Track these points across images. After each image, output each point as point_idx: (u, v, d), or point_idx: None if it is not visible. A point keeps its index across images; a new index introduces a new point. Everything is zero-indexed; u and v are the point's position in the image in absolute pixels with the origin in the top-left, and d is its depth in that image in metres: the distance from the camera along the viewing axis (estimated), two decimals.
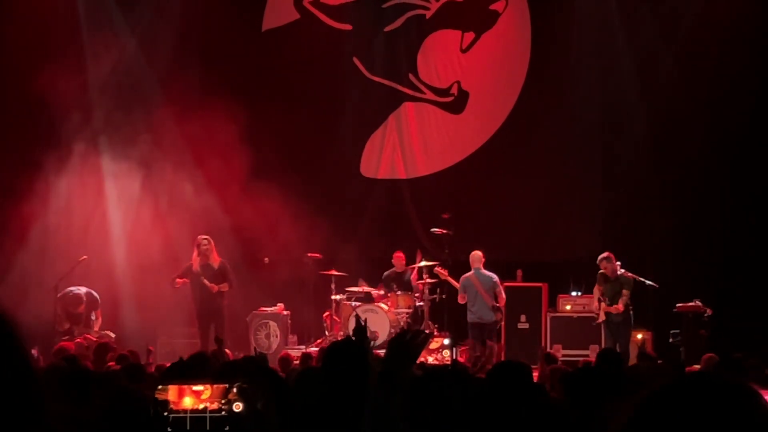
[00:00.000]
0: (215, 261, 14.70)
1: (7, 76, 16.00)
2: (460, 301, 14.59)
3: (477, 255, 14.60)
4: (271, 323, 15.61)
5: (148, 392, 4.71)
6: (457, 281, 14.77)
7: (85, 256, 14.93)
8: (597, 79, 16.46)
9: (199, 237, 14.75)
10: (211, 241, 14.74)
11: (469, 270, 14.76)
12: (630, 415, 1.56)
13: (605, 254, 13.87)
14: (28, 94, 15.66)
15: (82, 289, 14.73)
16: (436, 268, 15.08)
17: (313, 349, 13.99)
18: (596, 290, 13.97)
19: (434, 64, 17.31)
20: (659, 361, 10.19)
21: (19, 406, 1.70)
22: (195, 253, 14.65)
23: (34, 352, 12.62)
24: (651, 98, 16.06)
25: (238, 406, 2.16)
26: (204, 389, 2.21)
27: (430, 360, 13.84)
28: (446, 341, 10.34)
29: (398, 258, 15.80)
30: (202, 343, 14.20)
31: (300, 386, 4.98)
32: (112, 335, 14.66)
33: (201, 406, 2.19)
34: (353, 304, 15.43)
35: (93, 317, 14.65)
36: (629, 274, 13.83)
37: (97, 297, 14.83)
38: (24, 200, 15.66)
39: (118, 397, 4.36)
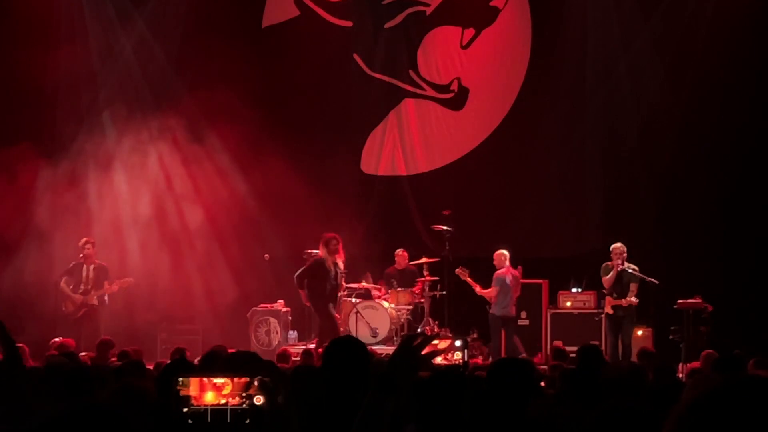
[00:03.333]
0: (342, 259, 14.50)
1: (11, 66, 15.97)
2: (492, 293, 14.73)
3: (506, 254, 14.83)
4: (272, 320, 15.60)
5: (149, 387, 4.72)
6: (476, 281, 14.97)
7: (82, 254, 14.92)
8: (598, 75, 16.46)
9: (328, 235, 14.40)
10: (340, 239, 14.49)
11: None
12: (678, 418, 1.57)
13: (620, 244, 13.97)
14: (29, 85, 15.69)
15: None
16: (457, 269, 15.06)
17: (313, 346, 13.99)
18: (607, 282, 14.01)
19: (434, 61, 17.30)
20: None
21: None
22: (324, 252, 14.29)
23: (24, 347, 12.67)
24: (652, 94, 16.05)
25: (258, 400, 2.16)
26: (225, 383, 2.21)
27: (438, 360, 13.81)
28: (458, 342, 10.35)
29: (400, 255, 15.81)
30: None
31: (295, 383, 4.98)
32: (131, 279, 14.97)
33: (222, 401, 2.19)
34: (354, 300, 15.43)
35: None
36: (632, 266, 13.90)
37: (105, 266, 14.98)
38: (26, 194, 15.72)
39: (121, 392, 4.36)
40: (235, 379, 2.20)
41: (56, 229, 15.85)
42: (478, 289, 14.93)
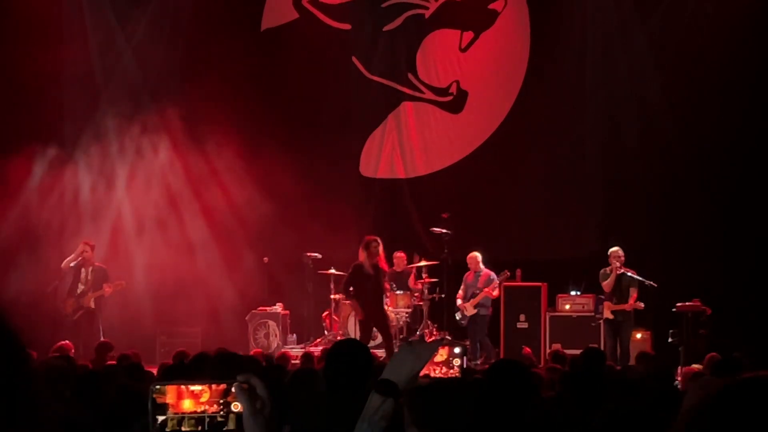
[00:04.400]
0: (383, 263, 14.36)
1: (10, 66, 15.95)
2: (498, 294, 15.07)
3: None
4: (270, 323, 15.60)
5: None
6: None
7: (80, 257, 14.90)
8: (597, 77, 16.45)
9: (368, 237, 14.15)
10: (380, 240, 14.25)
11: (467, 269, 15.15)
12: (689, 418, 1.56)
13: (618, 248, 13.97)
14: (28, 85, 15.68)
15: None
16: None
17: (313, 349, 13.98)
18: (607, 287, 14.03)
19: (433, 64, 17.30)
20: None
21: (11, 404, 1.69)
22: (364, 255, 13.93)
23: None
24: (651, 96, 16.04)
25: (236, 407, 2.14)
26: (202, 390, 2.19)
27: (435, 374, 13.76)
28: (457, 350, 10.32)
29: (398, 257, 15.80)
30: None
31: (294, 386, 4.98)
32: (123, 282, 14.86)
33: (200, 409, 2.18)
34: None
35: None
36: (631, 271, 13.89)
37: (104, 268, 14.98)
38: (24, 196, 15.73)
39: (119, 394, 4.36)
40: (213, 386, 2.19)
41: (56, 230, 15.84)
42: (497, 293, 15.05)
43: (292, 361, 10.97)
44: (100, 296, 14.68)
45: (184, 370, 6.00)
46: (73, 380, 5.93)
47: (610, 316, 13.90)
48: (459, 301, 15.01)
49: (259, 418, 1.99)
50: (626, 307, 13.78)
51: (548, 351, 13.94)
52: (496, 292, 14.97)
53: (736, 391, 1.54)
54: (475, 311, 14.83)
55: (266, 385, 2.04)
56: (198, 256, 16.27)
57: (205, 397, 2.19)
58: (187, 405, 2.17)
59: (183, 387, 2.18)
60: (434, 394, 3.92)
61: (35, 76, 15.49)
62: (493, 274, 14.97)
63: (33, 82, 15.60)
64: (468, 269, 15.10)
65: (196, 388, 2.19)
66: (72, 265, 14.80)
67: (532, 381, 4.43)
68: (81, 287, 14.70)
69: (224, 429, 2.16)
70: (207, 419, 2.17)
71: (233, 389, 2.11)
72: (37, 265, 15.50)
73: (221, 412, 2.17)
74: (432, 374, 9.01)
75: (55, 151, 16.15)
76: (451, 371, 8.56)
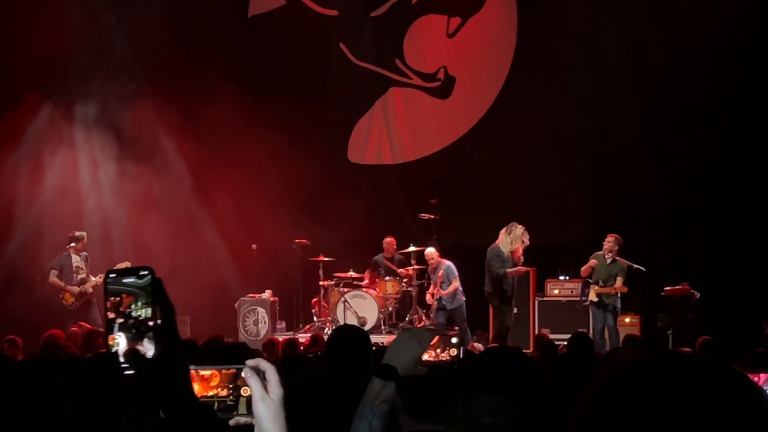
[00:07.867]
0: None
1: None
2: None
3: None
4: (259, 309, 15.58)
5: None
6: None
7: (73, 246, 14.84)
8: (586, 63, 16.45)
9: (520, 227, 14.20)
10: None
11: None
12: (594, 391, 1.49)
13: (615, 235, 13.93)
14: (11, 63, 15.62)
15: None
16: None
17: (301, 335, 13.97)
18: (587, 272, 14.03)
19: (421, 50, 17.29)
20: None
21: None
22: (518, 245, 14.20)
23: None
24: (641, 82, 16.04)
25: (246, 391, 2.14)
26: (212, 375, 2.19)
27: (425, 357, 13.74)
28: (454, 340, 10.28)
29: (389, 243, 15.78)
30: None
31: (284, 373, 4.98)
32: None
33: (210, 393, 2.17)
34: (341, 289, 15.43)
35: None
36: (622, 260, 13.86)
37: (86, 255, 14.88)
38: (11, 182, 15.68)
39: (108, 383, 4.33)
40: (223, 371, 2.19)
41: (49, 214, 15.79)
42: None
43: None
44: (96, 283, 14.59)
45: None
46: (63, 369, 5.90)
47: (595, 299, 13.90)
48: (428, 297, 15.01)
49: (269, 402, 1.98)
50: (610, 290, 13.75)
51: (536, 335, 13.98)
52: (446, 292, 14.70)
53: (643, 362, 1.47)
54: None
55: (276, 369, 2.03)
56: (187, 242, 16.22)
57: (215, 382, 2.19)
58: (197, 389, 2.17)
59: (193, 371, 2.18)
60: (426, 382, 3.91)
61: (23, 54, 15.44)
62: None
63: (16, 59, 15.54)
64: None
65: (206, 372, 2.19)
66: (60, 256, 14.69)
67: (529, 368, 4.41)
68: (81, 274, 14.54)
69: (234, 413, 2.15)
70: (217, 403, 2.17)
71: (243, 374, 2.10)
72: (26, 252, 15.44)
73: (231, 396, 2.17)
74: (429, 359, 8.96)
75: (45, 129, 16.05)
76: (447, 357, 8.52)
